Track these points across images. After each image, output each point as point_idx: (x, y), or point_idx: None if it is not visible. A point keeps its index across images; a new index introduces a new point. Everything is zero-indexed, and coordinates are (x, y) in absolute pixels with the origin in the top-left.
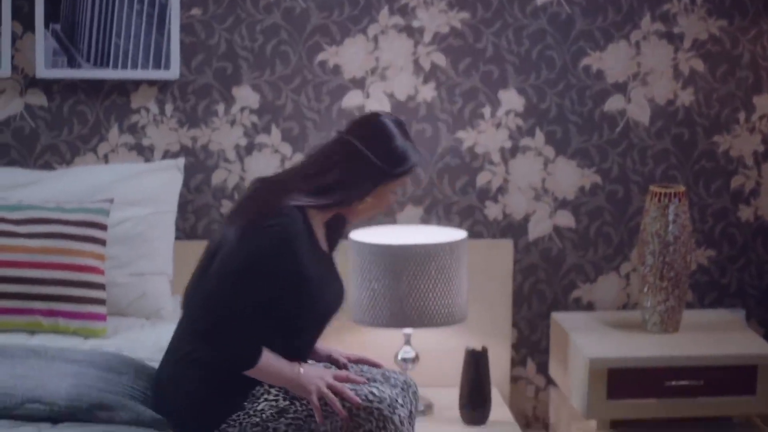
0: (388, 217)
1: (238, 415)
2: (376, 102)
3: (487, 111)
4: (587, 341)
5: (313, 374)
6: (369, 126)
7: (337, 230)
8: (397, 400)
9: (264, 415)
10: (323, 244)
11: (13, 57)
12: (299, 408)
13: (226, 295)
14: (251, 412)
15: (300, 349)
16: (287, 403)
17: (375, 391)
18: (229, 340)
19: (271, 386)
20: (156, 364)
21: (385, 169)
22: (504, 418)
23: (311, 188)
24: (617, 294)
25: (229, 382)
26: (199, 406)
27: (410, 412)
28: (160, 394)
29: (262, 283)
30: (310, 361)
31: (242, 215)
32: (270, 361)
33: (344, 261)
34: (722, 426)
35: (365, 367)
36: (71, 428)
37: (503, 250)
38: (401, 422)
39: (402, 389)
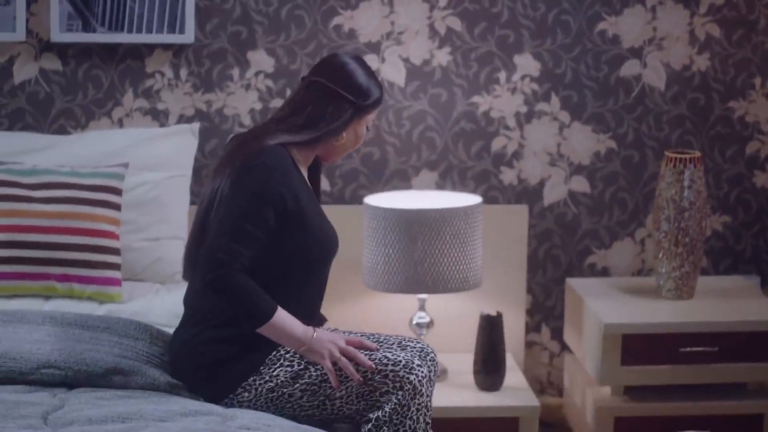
0: (404, 182)
1: (254, 380)
2: (392, 66)
3: (502, 76)
4: (602, 307)
5: (325, 338)
6: (332, 65)
7: (314, 179)
8: (413, 361)
9: (279, 380)
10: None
11: (27, 21)
12: (314, 373)
13: (231, 238)
14: (267, 377)
15: (308, 303)
16: (302, 368)
17: (389, 354)
18: (242, 287)
19: (286, 352)
20: (171, 329)
21: (356, 102)
22: (518, 383)
23: (287, 128)
24: (632, 260)
25: (244, 346)
26: (214, 371)
27: (429, 377)
28: (176, 359)
29: (264, 219)
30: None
31: (228, 165)
32: (284, 318)
33: (358, 226)
34: (736, 392)
35: (382, 336)
36: (86, 393)
37: (518, 216)
38: (420, 383)
39: (420, 357)
